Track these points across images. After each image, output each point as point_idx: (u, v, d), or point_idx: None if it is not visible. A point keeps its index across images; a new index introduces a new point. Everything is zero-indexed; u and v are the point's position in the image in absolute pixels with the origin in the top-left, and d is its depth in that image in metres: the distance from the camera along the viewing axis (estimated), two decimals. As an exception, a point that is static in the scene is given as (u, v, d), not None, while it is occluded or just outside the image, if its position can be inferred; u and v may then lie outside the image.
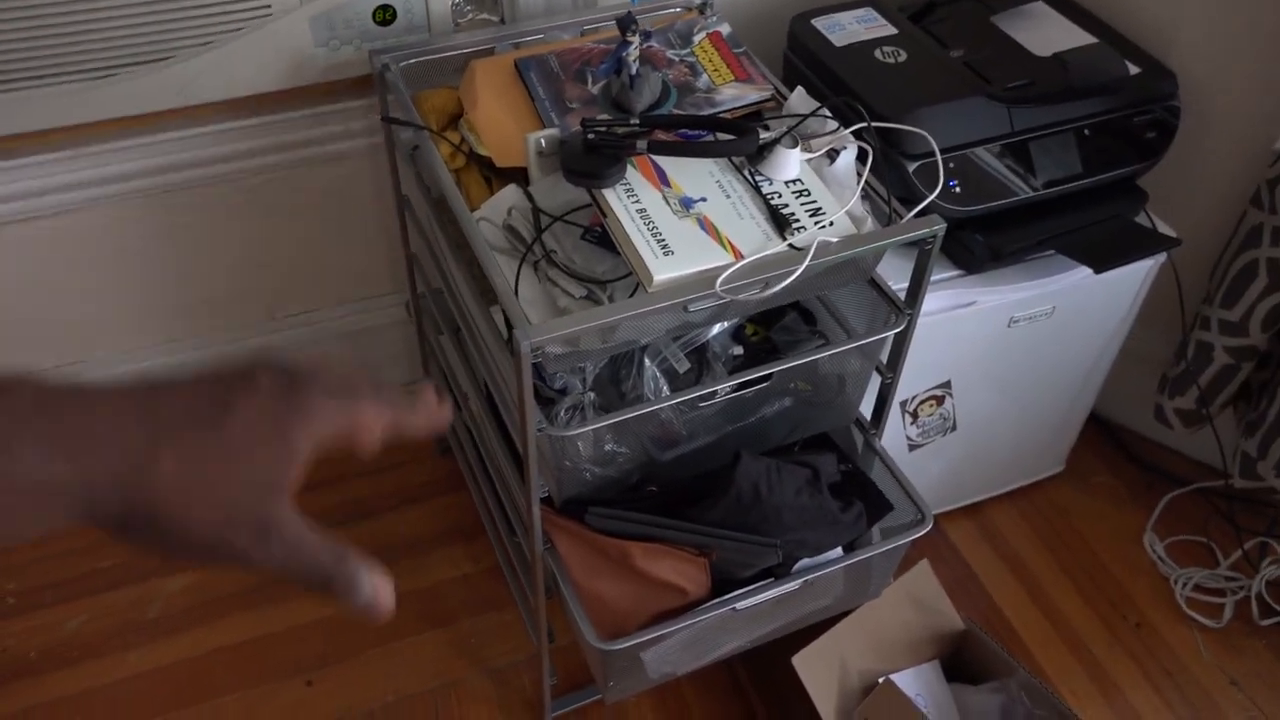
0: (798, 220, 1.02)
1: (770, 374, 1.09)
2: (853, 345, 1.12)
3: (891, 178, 1.24)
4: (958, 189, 1.26)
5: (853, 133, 1.12)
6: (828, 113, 1.13)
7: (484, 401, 1.29)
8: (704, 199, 1.02)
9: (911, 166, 1.24)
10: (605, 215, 1.01)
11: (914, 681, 1.34)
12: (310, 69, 1.32)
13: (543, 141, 1.09)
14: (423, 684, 1.45)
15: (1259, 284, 1.38)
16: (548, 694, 1.37)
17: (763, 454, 1.20)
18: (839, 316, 1.25)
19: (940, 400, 1.45)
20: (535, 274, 1.05)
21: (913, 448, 1.50)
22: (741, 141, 1.05)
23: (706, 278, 0.96)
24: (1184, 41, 1.41)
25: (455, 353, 1.39)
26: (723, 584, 1.14)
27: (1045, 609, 1.58)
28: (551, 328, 0.93)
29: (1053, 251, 1.32)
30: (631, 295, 1.00)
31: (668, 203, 1.01)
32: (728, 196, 1.03)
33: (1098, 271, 1.27)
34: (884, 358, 1.19)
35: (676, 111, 1.18)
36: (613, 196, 1.01)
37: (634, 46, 1.12)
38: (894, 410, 1.41)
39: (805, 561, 1.15)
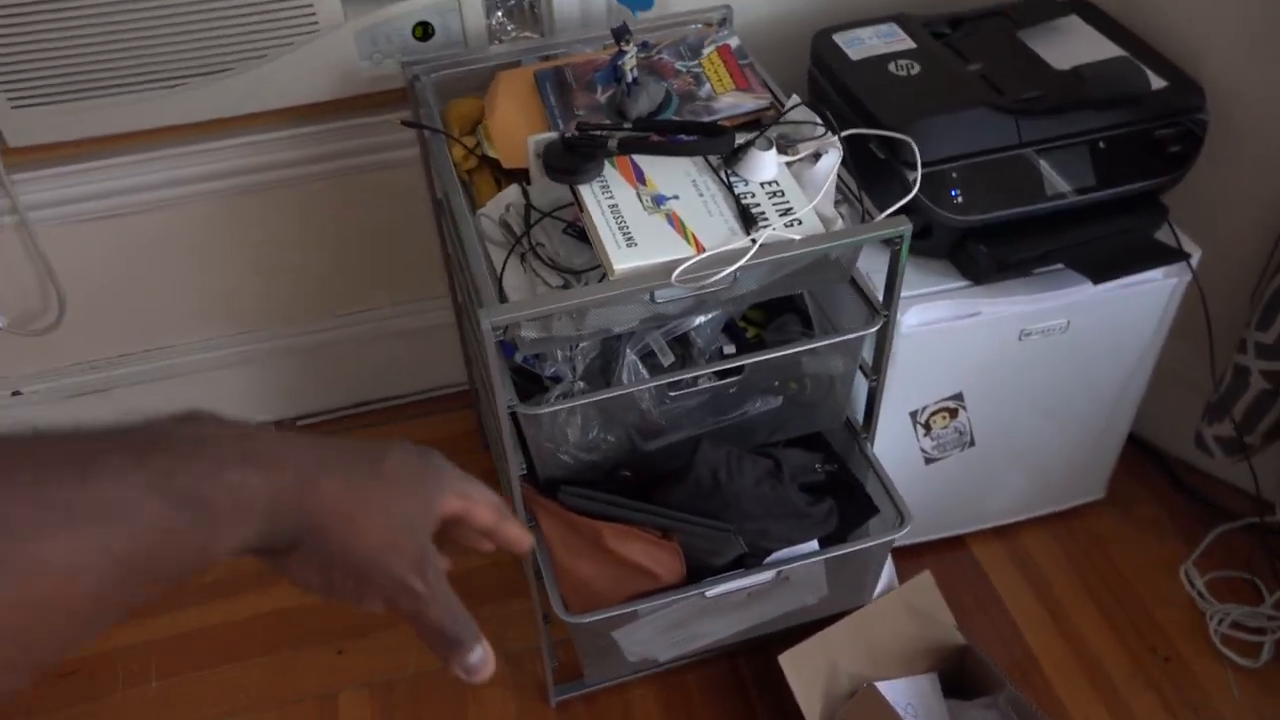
0: (766, 218, 1.06)
1: (743, 366, 1.13)
2: (824, 343, 1.15)
3: (893, 185, 1.27)
4: (959, 198, 1.27)
5: (843, 139, 1.15)
6: (815, 118, 1.17)
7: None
8: (676, 196, 1.08)
9: (910, 174, 1.26)
10: (581, 210, 1.08)
11: (906, 692, 1.34)
12: (356, 81, 1.43)
13: (541, 144, 1.17)
14: (441, 661, 1.53)
15: (1293, 305, 1.34)
16: (549, 677, 1.43)
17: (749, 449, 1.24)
18: (833, 320, 1.28)
19: (953, 413, 1.44)
20: (522, 265, 1.13)
21: (929, 460, 1.50)
22: (711, 142, 1.10)
23: (668, 269, 1.01)
24: (1216, 55, 1.39)
25: (480, 347, 1.47)
26: (699, 572, 1.18)
27: (1067, 634, 1.54)
28: (512, 308, 1.00)
29: (1061, 265, 1.32)
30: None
31: (640, 199, 1.07)
32: (700, 195, 1.08)
33: (1095, 282, 1.26)
34: (870, 359, 1.21)
35: (675, 118, 1.24)
36: (588, 192, 1.07)
37: (629, 56, 1.19)
38: (903, 420, 1.43)
39: (780, 554, 1.18)
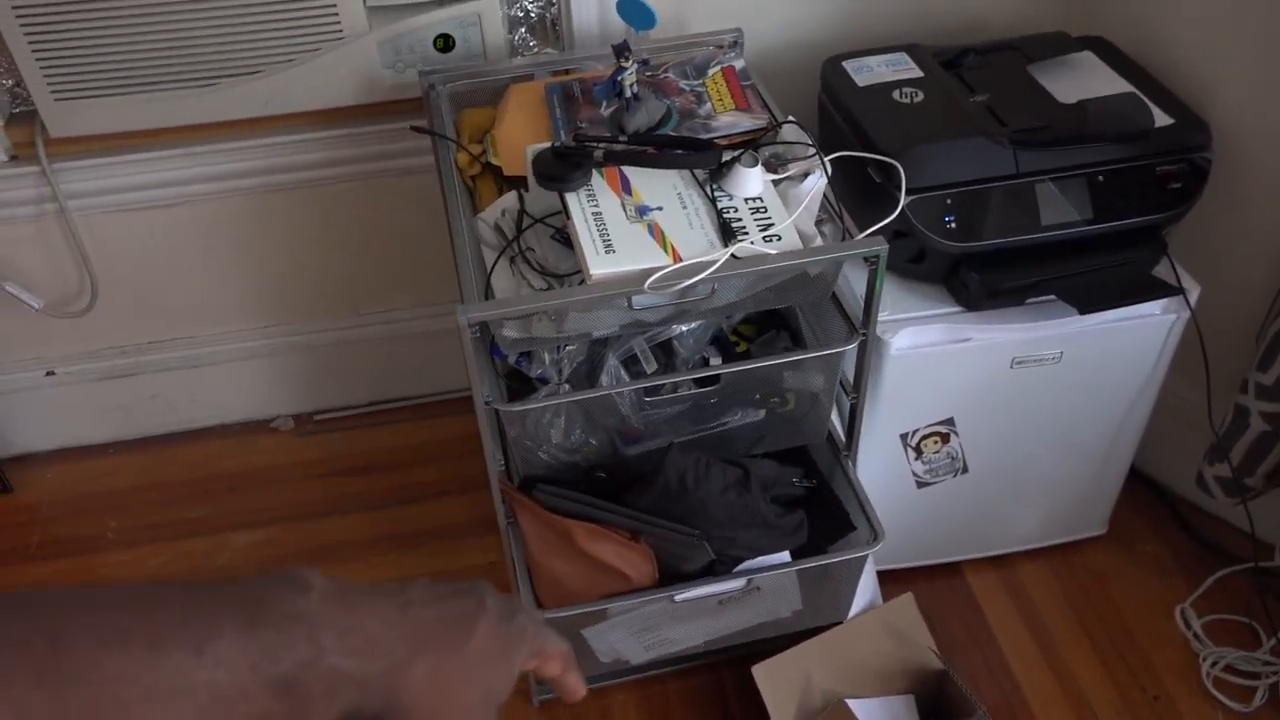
0: (746, 232, 1.09)
1: (720, 375, 1.16)
2: (799, 357, 1.17)
3: (885, 208, 1.29)
4: (953, 224, 1.29)
5: (832, 159, 1.18)
6: (807, 139, 1.20)
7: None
8: (660, 208, 1.11)
9: (904, 200, 1.28)
10: (567, 216, 1.11)
11: (880, 712, 1.34)
12: (379, 88, 1.49)
13: (537, 152, 1.21)
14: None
15: (1293, 347, 1.33)
16: (532, 677, 1.45)
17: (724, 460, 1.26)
18: (821, 337, 1.30)
19: (945, 438, 1.45)
20: (511, 268, 1.17)
21: (921, 484, 1.50)
22: (697, 156, 1.13)
23: (643, 276, 1.04)
24: (1227, 95, 1.39)
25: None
26: (671, 577, 1.20)
27: (1056, 668, 1.53)
28: (488, 306, 1.04)
29: (1053, 296, 1.32)
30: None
31: (624, 209, 1.11)
32: (684, 208, 1.12)
33: (1081, 312, 1.27)
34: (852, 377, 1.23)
35: (672, 134, 1.27)
36: (575, 200, 1.11)
37: (629, 72, 1.23)
38: (894, 442, 1.44)
39: (749, 563, 1.20)
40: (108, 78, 1.42)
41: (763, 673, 1.31)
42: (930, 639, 1.40)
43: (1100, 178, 1.32)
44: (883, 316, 1.30)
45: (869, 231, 1.11)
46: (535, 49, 1.58)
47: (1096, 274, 1.32)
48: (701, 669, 1.51)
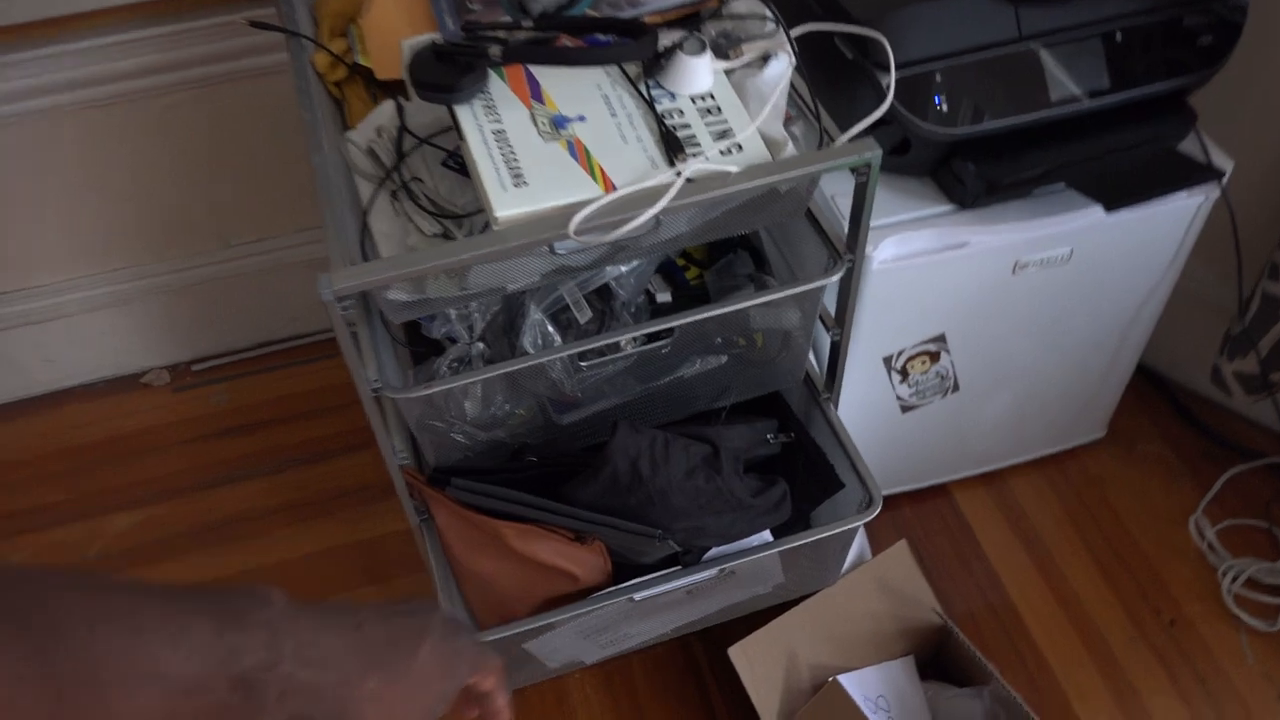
0: (697, 144, 0.83)
1: (672, 328, 0.92)
2: (774, 296, 0.93)
3: (863, 94, 1.03)
4: (943, 106, 1.04)
5: (798, 37, 0.91)
6: (764, 10, 0.92)
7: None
8: (582, 118, 0.84)
9: (884, 79, 1.02)
10: (461, 137, 0.84)
11: (878, 680, 1.17)
12: (209, -33, 1.17)
13: (413, 50, 0.92)
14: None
15: (1336, 226, 1.12)
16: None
17: (689, 419, 1.03)
18: (791, 257, 1.06)
19: (935, 356, 1.24)
20: (394, 206, 0.90)
21: (906, 409, 1.30)
22: (627, 46, 0.86)
23: (566, 215, 0.78)
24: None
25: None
26: (627, 570, 0.99)
27: (1060, 594, 1.37)
28: (361, 273, 0.77)
29: (1064, 185, 1.09)
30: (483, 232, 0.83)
31: (535, 122, 0.84)
32: (613, 115, 0.85)
33: (1109, 210, 1.04)
34: (833, 309, 1.00)
35: (591, 13, 0.99)
36: (468, 114, 0.84)
37: (526, -68, 0.94)
38: (876, 367, 1.22)
39: (721, 549, 0.99)
40: None
41: (741, 654, 1.12)
42: (930, 594, 1.21)
43: (1118, 36, 1.07)
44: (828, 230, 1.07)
45: (855, 131, 0.86)
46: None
47: (1116, 157, 1.09)
48: (671, 642, 1.32)
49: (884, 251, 1.09)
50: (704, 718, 1.27)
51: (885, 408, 1.28)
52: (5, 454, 1.57)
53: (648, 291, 1.02)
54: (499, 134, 0.82)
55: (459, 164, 0.89)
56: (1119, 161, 1.08)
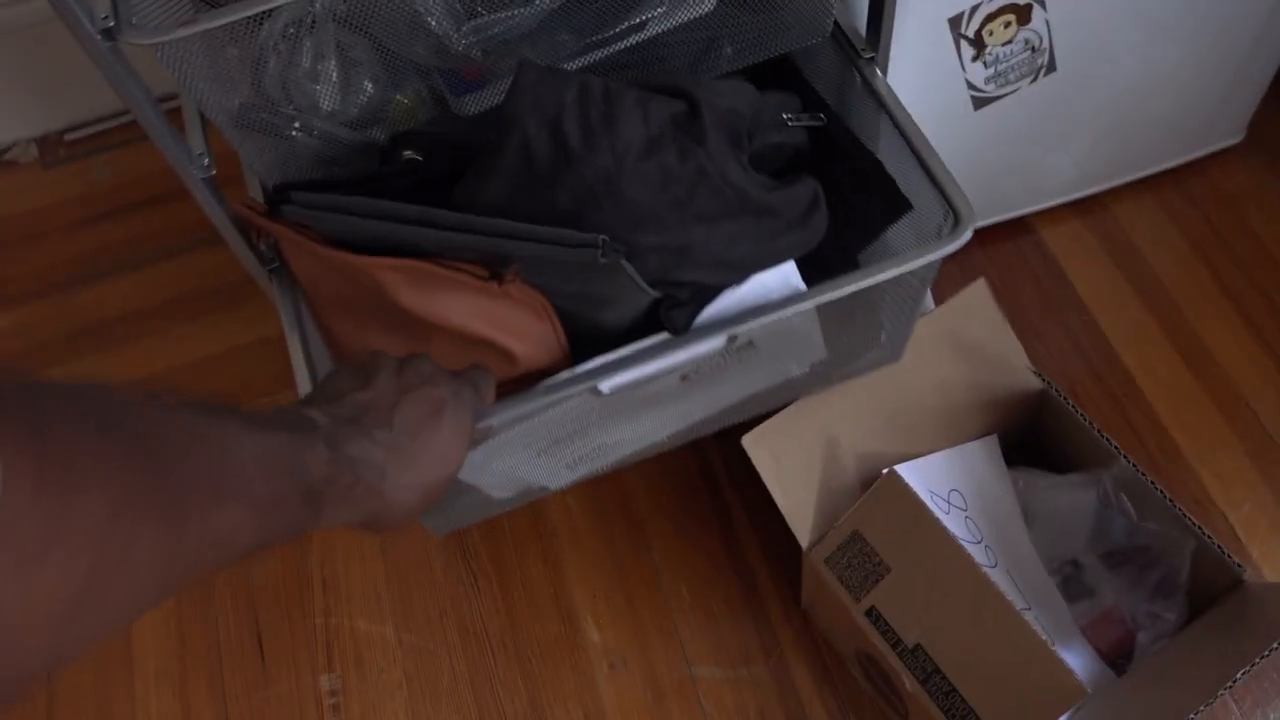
0: None
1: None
2: None
3: None
4: None
5: None
6: None
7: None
8: None
9: None
10: None
11: (949, 469, 0.85)
12: None
13: None
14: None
15: None
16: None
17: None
18: None
19: (1024, 14, 0.86)
20: None
21: (980, 102, 0.93)
22: None
23: None
24: None
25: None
26: (585, 341, 0.66)
27: (1187, 351, 1.04)
28: None
29: None
30: None
31: None
32: None
33: None
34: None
35: None
36: None
37: None
38: (938, 34, 0.85)
39: (730, 299, 0.65)
40: None
41: (758, 444, 0.80)
42: (1021, 351, 0.88)
43: None
44: None
45: None
46: None
47: None
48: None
49: None
50: (719, 532, 0.98)
51: (949, 103, 0.92)
52: None
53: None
54: None
55: None
56: None
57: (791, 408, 0.82)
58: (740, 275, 0.63)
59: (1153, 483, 0.79)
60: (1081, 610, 0.84)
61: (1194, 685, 0.72)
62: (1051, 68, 0.92)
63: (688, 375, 0.67)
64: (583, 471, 0.78)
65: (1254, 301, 1.06)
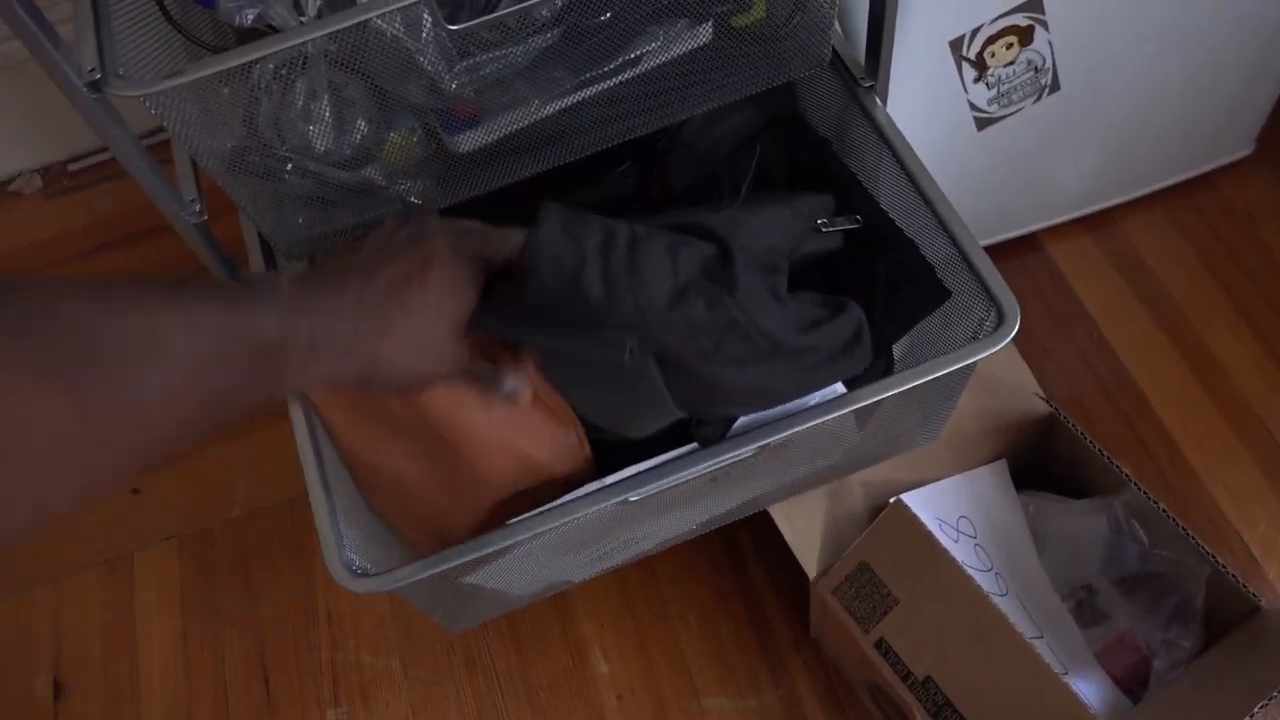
0: None
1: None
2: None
3: None
4: None
5: None
6: None
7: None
8: None
9: None
10: None
11: (958, 496, 0.84)
12: None
13: None
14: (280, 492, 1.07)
15: None
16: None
17: (672, 224, 0.64)
18: None
19: (1026, 35, 0.85)
20: None
21: (983, 123, 0.92)
22: None
23: None
24: None
25: None
26: (610, 448, 0.65)
27: (1198, 367, 1.03)
28: None
29: None
30: None
31: None
32: None
33: None
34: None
35: None
36: None
37: None
38: (939, 55, 0.84)
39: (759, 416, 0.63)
40: None
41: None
42: (1029, 375, 0.87)
43: None
44: None
45: None
46: None
47: None
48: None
49: None
50: (727, 560, 0.97)
51: (952, 124, 0.91)
52: None
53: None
54: None
55: None
56: None
57: (797, 437, 0.81)
58: (775, 404, 0.61)
59: (1165, 510, 0.78)
60: (1096, 635, 0.83)
61: (1213, 716, 0.71)
62: (1055, 87, 0.91)
63: (718, 476, 0.66)
64: (610, 564, 0.77)
65: (1266, 315, 1.05)
